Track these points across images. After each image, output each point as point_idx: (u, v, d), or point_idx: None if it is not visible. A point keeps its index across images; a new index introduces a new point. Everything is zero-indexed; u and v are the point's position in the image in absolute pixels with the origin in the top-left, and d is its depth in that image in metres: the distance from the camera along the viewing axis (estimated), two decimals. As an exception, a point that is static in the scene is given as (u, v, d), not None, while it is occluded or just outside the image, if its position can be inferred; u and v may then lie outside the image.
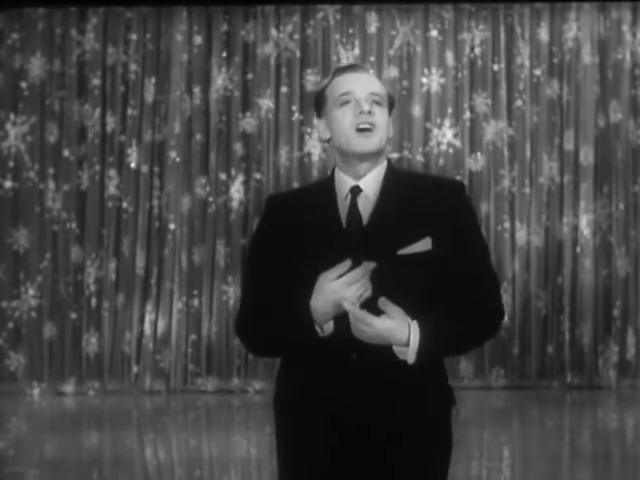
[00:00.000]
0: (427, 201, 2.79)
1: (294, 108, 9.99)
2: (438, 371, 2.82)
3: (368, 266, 2.64)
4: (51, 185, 9.90)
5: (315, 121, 2.90)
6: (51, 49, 9.97)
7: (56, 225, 9.91)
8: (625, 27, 9.93)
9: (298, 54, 10.00)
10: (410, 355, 2.67)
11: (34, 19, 9.97)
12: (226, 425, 8.59)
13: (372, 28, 9.99)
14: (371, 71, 2.90)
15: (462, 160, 9.94)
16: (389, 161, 2.87)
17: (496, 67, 10.01)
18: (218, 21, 10.02)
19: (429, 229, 2.75)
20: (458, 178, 9.51)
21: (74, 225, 9.90)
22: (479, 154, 9.97)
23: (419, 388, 2.76)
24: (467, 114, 9.99)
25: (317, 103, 2.87)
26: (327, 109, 2.83)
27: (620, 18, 9.94)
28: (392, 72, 9.95)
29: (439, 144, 9.96)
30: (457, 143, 9.96)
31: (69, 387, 9.79)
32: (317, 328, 2.71)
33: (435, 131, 9.98)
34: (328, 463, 2.77)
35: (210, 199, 9.97)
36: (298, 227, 2.81)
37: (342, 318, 2.68)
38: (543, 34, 9.98)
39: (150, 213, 9.94)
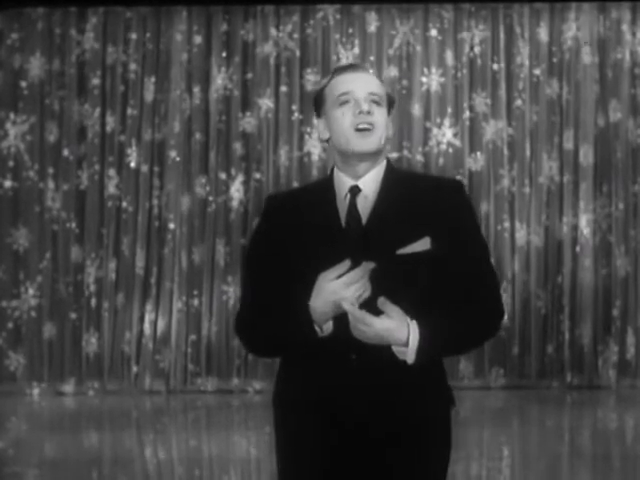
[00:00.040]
0: (426, 201, 2.79)
1: (294, 108, 9.99)
2: (437, 371, 2.82)
3: (367, 266, 2.64)
4: (51, 185, 9.90)
5: (314, 121, 2.90)
6: (51, 49, 9.97)
7: (56, 225, 9.90)
8: (625, 27, 9.93)
9: (298, 54, 10.00)
10: (409, 355, 2.67)
11: (34, 19, 9.97)
12: (226, 425, 8.59)
13: (372, 28, 9.99)
14: (371, 70, 2.89)
15: (462, 160, 9.94)
16: (388, 161, 2.86)
17: (496, 67, 10.01)
18: (218, 21, 10.02)
19: (428, 229, 2.74)
20: (458, 178, 9.51)
21: (74, 225, 9.90)
22: (479, 154, 9.97)
23: (418, 388, 2.76)
24: (467, 113, 9.99)
25: (316, 103, 2.87)
26: (326, 109, 2.83)
27: (620, 18, 9.95)
28: (392, 72, 9.95)
29: (439, 144, 9.96)
30: (457, 143, 9.96)
31: (69, 387, 9.78)
32: (316, 328, 2.70)
33: (435, 130, 9.98)
34: (327, 463, 2.77)
35: (210, 199, 9.97)
36: (297, 227, 2.81)
37: (341, 318, 2.68)
38: (543, 34, 9.98)
39: (150, 213, 9.94)
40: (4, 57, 9.94)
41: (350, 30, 10.01)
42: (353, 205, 2.79)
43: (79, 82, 9.96)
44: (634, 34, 9.95)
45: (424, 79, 9.99)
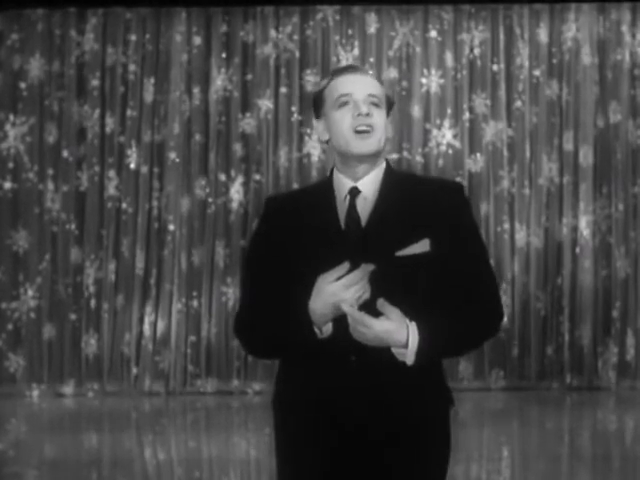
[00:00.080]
0: (426, 202, 2.79)
1: (293, 109, 9.99)
2: (436, 372, 2.82)
3: (367, 268, 2.65)
4: (50, 186, 9.90)
5: (314, 122, 2.89)
6: (50, 50, 9.97)
7: (55, 226, 9.90)
8: (624, 28, 9.93)
9: (297, 55, 10.00)
10: (409, 356, 2.67)
11: (33, 20, 9.97)
12: (225, 426, 8.58)
13: (371, 29, 9.99)
14: (371, 72, 2.89)
15: (461, 161, 9.94)
16: (388, 162, 2.86)
17: (495, 68, 10.01)
18: (217, 22, 10.02)
19: (428, 230, 2.74)
20: (457, 179, 9.51)
21: (73, 226, 9.90)
22: (478, 155, 9.97)
23: (417, 389, 2.76)
24: (466, 115, 9.98)
25: (316, 104, 2.86)
26: (326, 110, 2.83)
27: (619, 19, 9.95)
28: (391, 73, 9.95)
29: (438, 145, 9.96)
30: (456, 144, 9.96)
31: (68, 388, 9.78)
32: (316, 330, 2.71)
33: (434, 132, 9.98)
34: (327, 464, 2.77)
35: (209, 200, 9.97)
36: (297, 228, 2.81)
37: (341, 320, 2.68)
38: (542, 35, 9.98)
39: (149, 214, 9.94)
40: (4, 58, 9.94)
41: (350, 31, 10.01)
42: (352, 207, 2.79)
43: (79, 83, 9.96)
44: (634, 35, 9.95)
45: (424, 80, 9.99)
